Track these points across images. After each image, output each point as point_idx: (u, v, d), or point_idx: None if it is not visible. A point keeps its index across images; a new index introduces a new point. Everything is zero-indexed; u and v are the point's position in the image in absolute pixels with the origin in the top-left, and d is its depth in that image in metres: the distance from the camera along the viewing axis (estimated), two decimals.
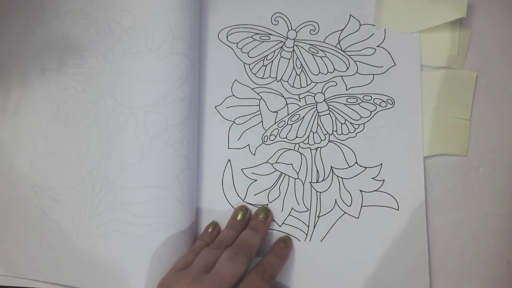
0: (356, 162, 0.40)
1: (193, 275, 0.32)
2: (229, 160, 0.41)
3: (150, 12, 0.40)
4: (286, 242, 0.38)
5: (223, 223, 0.40)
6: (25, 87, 0.42)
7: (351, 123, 0.41)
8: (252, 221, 0.39)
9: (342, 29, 0.43)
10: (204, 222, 0.41)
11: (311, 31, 0.43)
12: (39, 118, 0.41)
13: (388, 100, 0.41)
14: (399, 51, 0.42)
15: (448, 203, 0.39)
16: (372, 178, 0.40)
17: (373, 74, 0.42)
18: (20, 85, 0.42)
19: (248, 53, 0.43)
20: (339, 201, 0.40)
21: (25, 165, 0.41)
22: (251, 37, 0.44)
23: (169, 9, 0.40)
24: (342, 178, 0.40)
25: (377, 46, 0.42)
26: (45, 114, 0.41)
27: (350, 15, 0.43)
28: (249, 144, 0.42)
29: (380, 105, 0.41)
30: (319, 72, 0.43)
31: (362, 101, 0.42)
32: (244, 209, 0.39)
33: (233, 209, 0.40)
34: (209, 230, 0.40)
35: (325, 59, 0.43)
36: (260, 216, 0.39)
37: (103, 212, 0.38)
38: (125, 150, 0.39)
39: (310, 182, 0.40)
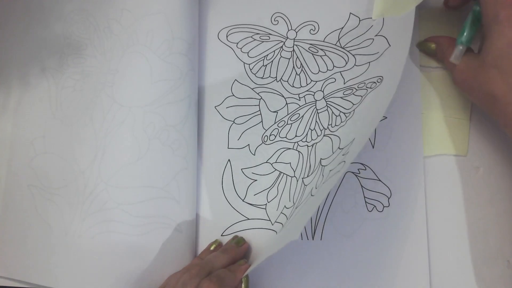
0: (339, 147, 0.40)
1: None
2: (229, 160, 0.41)
3: (150, 11, 0.40)
4: (240, 262, 0.38)
5: (222, 224, 0.40)
6: (25, 87, 0.42)
7: (344, 113, 0.41)
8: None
9: (342, 27, 0.43)
10: (204, 223, 0.41)
11: (311, 30, 0.43)
12: (38, 117, 0.41)
13: (378, 80, 0.40)
14: (394, 32, 0.41)
15: (448, 203, 0.39)
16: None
17: (369, 62, 0.41)
18: (21, 85, 0.42)
19: (248, 53, 0.43)
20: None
21: (23, 165, 0.40)
22: (251, 37, 0.43)
23: (169, 9, 0.40)
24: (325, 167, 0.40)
25: (375, 35, 0.42)
26: (44, 113, 0.41)
27: (350, 13, 0.43)
28: (249, 144, 0.41)
29: (370, 88, 0.40)
30: (319, 71, 0.42)
31: (357, 89, 0.41)
32: (240, 239, 0.39)
33: (233, 209, 0.40)
34: (211, 248, 0.39)
35: (324, 57, 0.43)
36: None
37: (96, 212, 0.37)
38: (122, 150, 0.38)
39: (302, 178, 0.40)
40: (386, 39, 0.41)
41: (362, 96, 0.40)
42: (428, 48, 0.41)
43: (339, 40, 0.43)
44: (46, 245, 0.38)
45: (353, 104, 0.40)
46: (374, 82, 0.40)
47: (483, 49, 0.34)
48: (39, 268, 0.38)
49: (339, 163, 0.36)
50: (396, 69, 0.37)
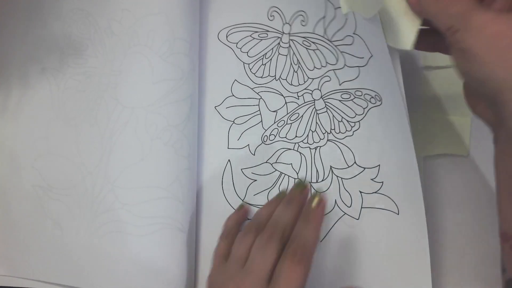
0: (355, 162, 0.40)
1: (230, 273, 0.32)
2: (229, 160, 0.41)
3: (150, 11, 0.40)
4: (313, 202, 0.34)
5: (222, 224, 0.40)
6: (25, 87, 0.42)
7: (347, 120, 0.41)
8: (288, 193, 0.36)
9: (324, 16, 0.42)
10: (204, 223, 0.41)
11: (302, 22, 0.43)
12: (39, 118, 0.41)
13: (376, 96, 0.40)
14: (371, 39, 0.41)
15: (448, 203, 0.39)
16: (371, 179, 0.40)
17: (358, 67, 0.41)
18: (21, 85, 0.42)
19: (247, 52, 0.43)
20: (339, 202, 0.40)
21: (26, 165, 0.41)
22: (250, 35, 0.43)
23: (169, 9, 0.40)
24: (341, 178, 0.40)
25: (353, 33, 0.41)
26: (46, 114, 0.41)
27: None
28: (249, 144, 0.42)
29: (370, 102, 0.41)
30: (314, 67, 0.42)
31: (355, 97, 0.41)
32: (299, 183, 0.36)
33: (233, 210, 0.40)
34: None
35: (317, 52, 0.42)
36: (313, 204, 0.34)
37: (104, 213, 0.38)
38: (126, 150, 0.39)
39: (309, 182, 0.40)
40: (365, 43, 0.41)
41: (364, 108, 0.41)
42: None
43: (325, 31, 0.42)
44: (55, 244, 0.39)
45: (356, 114, 0.41)
46: (373, 97, 0.40)
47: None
48: (49, 266, 0.39)
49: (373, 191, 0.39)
50: (394, 94, 0.37)
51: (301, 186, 0.37)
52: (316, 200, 0.34)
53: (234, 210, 0.40)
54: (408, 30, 0.31)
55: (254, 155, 0.41)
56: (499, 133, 0.29)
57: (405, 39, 0.31)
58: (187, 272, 0.38)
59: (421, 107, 0.41)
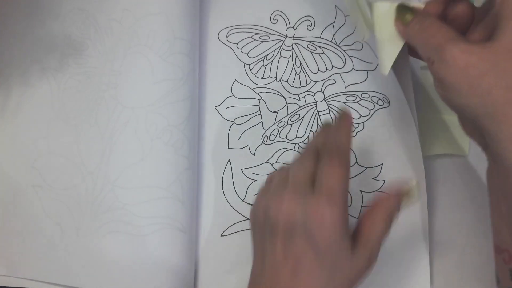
0: (356, 162, 0.40)
1: (273, 190, 0.31)
2: (229, 160, 0.42)
3: (150, 11, 0.41)
4: (342, 116, 0.33)
5: (222, 224, 0.40)
6: (25, 87, 0.42)
7: None
8: None
9: (333, 22, 0.43)
10: (204, 223, 0.41)
11: (308, 26, 0.43)
12: (40, 118, 0.41)
13: (384, 99, 0.41)
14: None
15: (448, 203, 0.39)
16: (373, 178, 0.40)
17: (367, 71, 0.42)
18: (21, 85, 0.42)
19: (248, 53, 0.43)
20: None
21: (26, 165, 0.41)
22: (251, 37, 0.44)
23: (169, 9, 0.40)
24: None
25: (363, 40, 0.42)
26: (46, 114, 0.41)
27: (335, 5, 0.43)
28: (249, 144, 0.42)
29: (377, 104, 0.41)
30: (318, 70, 0.42)
31: (361, 99, 0.41)
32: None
33: (233, 209, 0.40)
34: None
35: (323, 55, 0.43)
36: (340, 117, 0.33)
37: (104, 212, 0.38)
38: (126, 150, 0.39)
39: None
40: (372, 50, 0.42)
41: (370, 110, 0.41)
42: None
43: (334, 36, 0.43)
44: (56, 244, 0.39)
45: (361, 116, 0.41)
46: (380, 99, 0.41)
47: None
48: (49, 266, 0.38)
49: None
50: (403, 96, 0.37)
51: (328, 124, 0.36)
52: (342, 114, 0.33)
53: (234, 210, 0.40)
54: (387, 56, 0.31)
55: (254, 155, 0.41)
56: (486, 154, 0.30)
57: (383, 63, 0.32)
58: (187, 272, 0.38)
59: (421, 107, 0.41)
